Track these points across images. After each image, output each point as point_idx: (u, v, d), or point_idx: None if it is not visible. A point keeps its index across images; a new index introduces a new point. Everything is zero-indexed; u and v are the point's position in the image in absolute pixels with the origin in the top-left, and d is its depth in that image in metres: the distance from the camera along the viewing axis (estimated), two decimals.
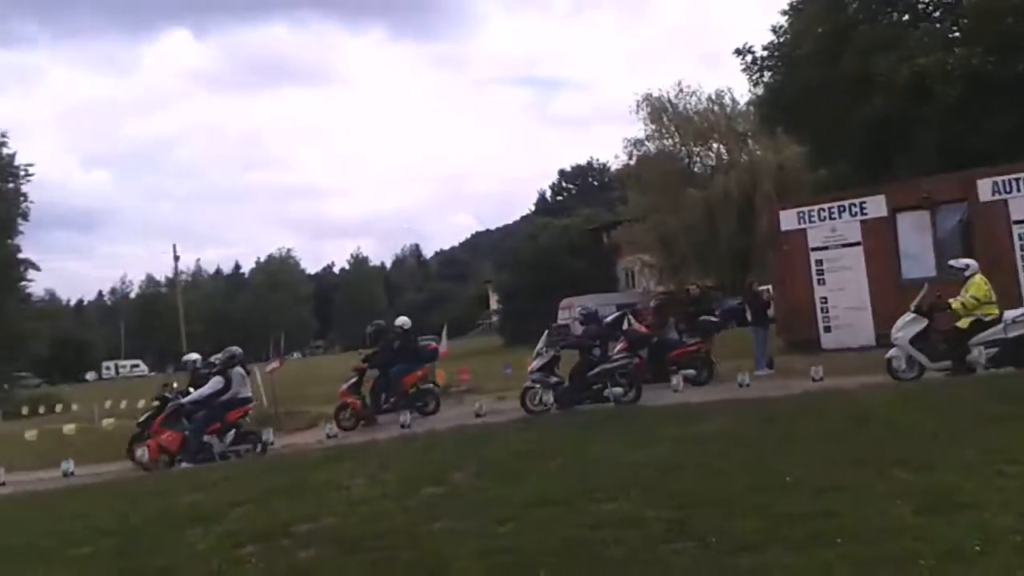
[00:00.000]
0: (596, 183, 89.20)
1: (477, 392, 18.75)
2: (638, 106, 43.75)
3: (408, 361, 16.46)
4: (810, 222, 19.57)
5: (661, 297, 20.47)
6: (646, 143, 44.24)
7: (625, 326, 15.87)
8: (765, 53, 26.78)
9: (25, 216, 54.26)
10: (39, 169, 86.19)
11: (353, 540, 6.58)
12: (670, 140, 44.27)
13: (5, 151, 53.07)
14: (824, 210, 19.50)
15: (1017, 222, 17.18)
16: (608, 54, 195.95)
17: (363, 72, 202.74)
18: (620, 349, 14.99)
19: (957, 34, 23.75)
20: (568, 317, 34.19)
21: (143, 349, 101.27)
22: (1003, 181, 17.40)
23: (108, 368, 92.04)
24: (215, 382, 14.28)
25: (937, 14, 25.33)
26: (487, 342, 53.45)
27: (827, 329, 19.12)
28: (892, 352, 13.28)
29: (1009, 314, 12.47)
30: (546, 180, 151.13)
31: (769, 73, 27.15)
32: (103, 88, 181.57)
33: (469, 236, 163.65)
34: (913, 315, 13.10)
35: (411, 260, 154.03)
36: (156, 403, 15.51)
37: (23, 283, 56.19)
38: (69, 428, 18.08)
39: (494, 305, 67.24)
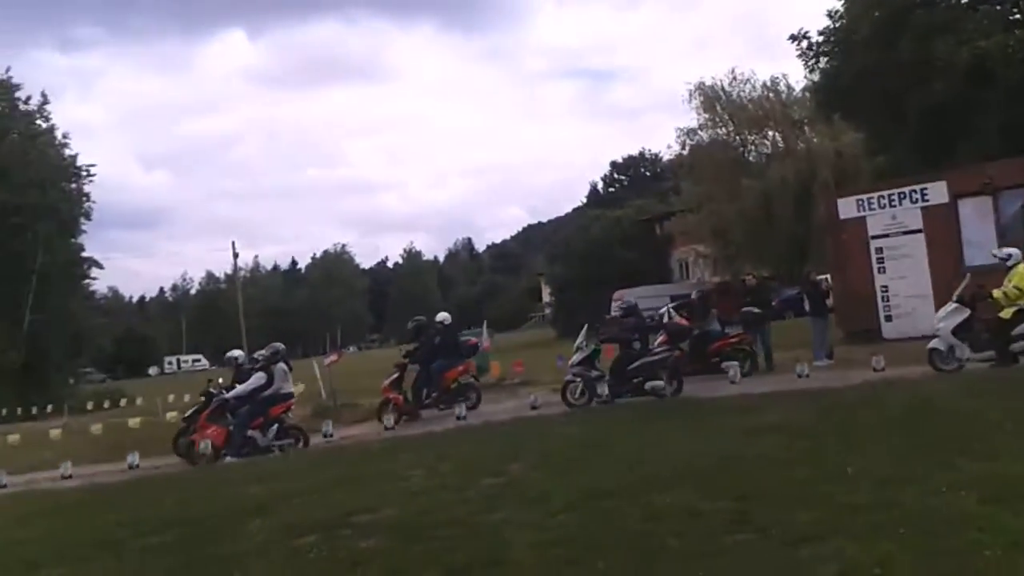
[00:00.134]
0: (648, 174, 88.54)
1: (531, 384, 18.78)
2: (691, 95, 43.36)
3: (449, 356, 16.52)
4: (869, 209, 19.23)
5: (702, 289, 20.18)
6: (699, 132, 43.83)
7: (666, 319, 15.74)
8: (821, 38, 26.38)
9: (88, 216, 55.68)
10: (101, 170, 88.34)
11: (412, 530, 6.64)
12: (724, 129, 43.77)
13: (68, 152, 54.51)
14: (884, 197, 19.14)
15: None
16: (659, 44, 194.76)
17: (414, 67, 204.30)
18: (661, 342, 14.89)
19: (1017, 16, 23.11)
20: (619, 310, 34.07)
21: (204, 344, 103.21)
22: None
23: (170, 363, 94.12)
24: (257, 378, 14.51)
25: None
26: (540, 334, 53.49)
27: (888, 318, 18.79)
28: (934, 343, 13.03)
29: None
30: (598, 172, 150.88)
31: (825, 59, 26.72)
32: (161, 89, 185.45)
33: (521, 229, 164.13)
34: (955, 305, 12.84)
35: (464, 254, 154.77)
36: (202, 398, 15.84)
37: (87, 281, 57.72)
38: (134, 422, 18.55)
39: (546, 298, 67.31)
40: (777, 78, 43.02)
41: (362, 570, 5.79)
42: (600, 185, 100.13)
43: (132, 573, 6.48)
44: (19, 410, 38.27)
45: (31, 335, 49.31)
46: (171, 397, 25.38)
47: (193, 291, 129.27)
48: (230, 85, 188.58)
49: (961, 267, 17.49)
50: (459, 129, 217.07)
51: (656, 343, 14.83)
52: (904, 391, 10.76)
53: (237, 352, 16.84)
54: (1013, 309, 12.21)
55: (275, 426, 14.42)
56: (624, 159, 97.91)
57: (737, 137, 43.78)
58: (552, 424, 12.26)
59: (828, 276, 21.51)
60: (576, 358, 14.77)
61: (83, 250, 56.12)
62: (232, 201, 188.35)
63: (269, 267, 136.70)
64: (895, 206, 18.91)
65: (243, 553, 6.57)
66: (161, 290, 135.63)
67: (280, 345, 15.41)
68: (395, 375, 16.60)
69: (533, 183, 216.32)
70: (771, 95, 42.82)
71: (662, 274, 47.37)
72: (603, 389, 14.08)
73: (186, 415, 16.07)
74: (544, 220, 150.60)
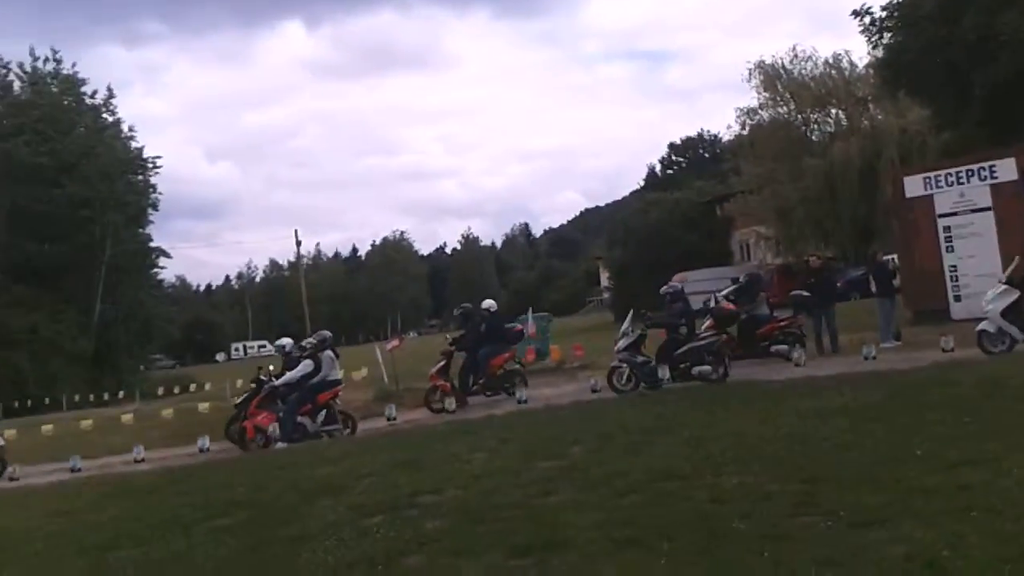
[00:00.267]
0: (707, 155, 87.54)
1: (591, 368, 18.75)
2: (750, 74, 42.61)
3: (495, 343, 16.56)
4: (937, 188, 18.75)
5: (751, 272, 19.86)
6: (760, 112, 43.05)
7: (712, 304, 15.57)
8: (884, 14, 25.71)
9: (155, 207, 57.17)
10: (166, 161, 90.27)
11: (476, 512, 6.72)
12: (785, 108, 42.92)
13: (134, 145, 55.93)
14: (951, 175, 18.64)
15: None
16: (717, 22, 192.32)
17: (470, 54, 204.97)
18: (707, 327, 14.75)
19: None
20: None
21: (269, 330, 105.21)
22: None
23: (237, 349, 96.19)
24: (305, 365, 14.74)
25: None
26: (599, 319, 53.36)
27: (957, 298, 18.33)
28: (983, 325, 12.70)
29: None
30: (655, 154, 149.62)
31: (889, 34, 26.04)
32: (223, 81, 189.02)
33: (578, 214, 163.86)
34: (1004, 287, 12.48)
35: (521, 239, 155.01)
36: (252, 385, 16.15)
37: (155, 270, 59.35)
38: (203, 407, 19.00)
39: (604, 282, 67.03)
40: (839, 55, 42.03)
41: (428, 550, 5.88)
42: (658, 167, 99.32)
43: (203, 554, 6.64)
44: (91, 396, 39.51)
45: (102, 323, 50.88)
46: (239, 382, 25.88)
47: (258, 279, 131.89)
48: (289, 76, 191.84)
49: None
50: (515, 114, 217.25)
51: (703, 328, 14.72)
52: (973, 372, 10.53)
53: (285, 340, 17.11)
54: None
55: (323, 412, 14.67)
56: (682, 140, 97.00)
57: (799, 116, 42.90)
58: (613, 407, 12.26)
59: (895, 256, 21.02)
60: (622, 343, 14.68)
61: (151, 240, 57.70)
62: (294, 190, 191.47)
63: (330, 254, 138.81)
64: (963, 184, 18.41)
65: (312, 533, 6.71)
66: (227, 278, 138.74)
67: (327, 333, 15.66)
68: (442, 362, 16.66)
69: (590, 167, 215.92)
70: (834, 72, 41.86)
71: (722, 257, 46.82)
72: (664, 373, 13.98)
73: (237, 402, 16.40)
74: (601, 204, 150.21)
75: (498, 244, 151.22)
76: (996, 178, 18.07)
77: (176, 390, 35.76)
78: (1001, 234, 17.74)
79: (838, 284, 18.60)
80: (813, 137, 42.85)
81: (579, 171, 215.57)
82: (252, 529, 7.24)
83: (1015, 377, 9.64)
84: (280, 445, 13.98)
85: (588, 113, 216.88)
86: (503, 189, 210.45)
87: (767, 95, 42.64)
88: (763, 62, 42.45)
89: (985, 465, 6.03)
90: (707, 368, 13.91)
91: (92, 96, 55.19)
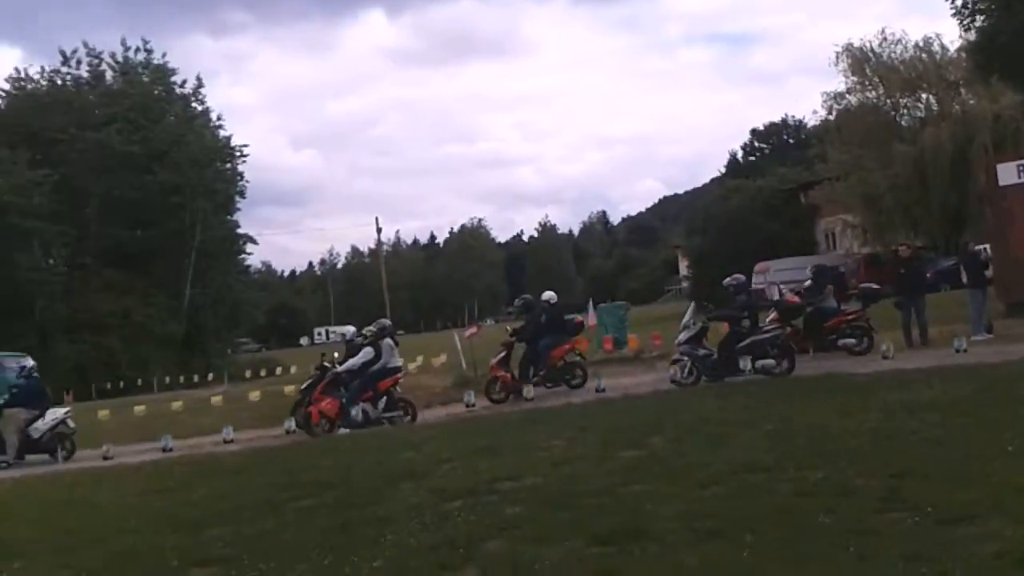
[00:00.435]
0: (792, 141, 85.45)
1: (670, 357, 18.59)
2: (838, 58, 41.45)
3: (555, 335, 16.47)
4: None
5: (818, 264, 19.33)
6: (847, 96, 41.89)
7: (776, 296, 15.24)
8: None
9: (242, 194, 58.74)
10: (252, 149, 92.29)
11: (556, 498, 6.77)
12: (874, 92, 41.70)
13: (222, 133, 57.44)
14: None
15: None
16: (803, 4, 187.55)
17: (548, 40, 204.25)
18: (771, 320, 14.50)
19: None
20: (763, 281, 33.28)
21: (350, 316, 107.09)
22: None
23: (319, 334, 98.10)
24: (366, 352, 15.01)
25: None
26: (677, 308, 52.74)
27: None
28: None
29: None
30: (737, 140, 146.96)
31: (982, 17, 25.10)
32: (307, 70, 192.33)
33: (656, 201, 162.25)
34: None
35: (598, 227, 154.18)
36: (316, 372, 16.48)
37: (242, 256, 60.94)
38: (290, 389, 19.46)
39: (683, 271, 66.33)
40: (930, 38, 40.63)
41: (508, 535, 5.95)
42: (740, 154, 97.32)
43: (290, 533, 6.82)
44: (181, 378, 40.88)
45: (192, 308, 52.53)
46: None
47: (339, 265, 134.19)
48: (371, 64, 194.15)
49: None
50: (593, 101, 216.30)
51: (767, 321, 14.48)
52: None
53: (347, 328, 17.36)
54: None
55: (384, 399, 14.90)
56: (765, 126, 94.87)
57: (888, 100, 41.65)
58: (692, 398, 12.18)
59: (987, 246, 20.32)
60: (683, 336, 14.55)
61: (238, 227, 59.31)
62: (374, 177, 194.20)
63: (409, 241, 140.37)
64: None
65: (395, 515, 6.85)
66: (310, 264, 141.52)
67: (387, 321, 15.95)
68: (503, 353, 16.66)
69: (669, 154, 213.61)
70: (924, 56, 40.50)
71: (807, 245, 45.75)
72: (745, 364, 13.75)
73: (302, 387, 16.75)
74: (680, 192, 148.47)
75: (575, 232, 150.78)
76: None
77: (262, 373, 36.81)
78: None
79: (928, 275, 18.05)
80: (902, 122, 41.54)
81: (658, 158, 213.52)
82: (338, 510, 7.41)
83: None
84: (343, 431, 14.30)
85: (668, 99, 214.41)
86: (581, 176, 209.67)
87: (855, 79, 41.48)
88: (851, 45, 41.29)
89: None
90: (771, 362, 13.69)
91: (181, 86, 56.88)
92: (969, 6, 25.15)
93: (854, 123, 40.88)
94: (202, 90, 57.58)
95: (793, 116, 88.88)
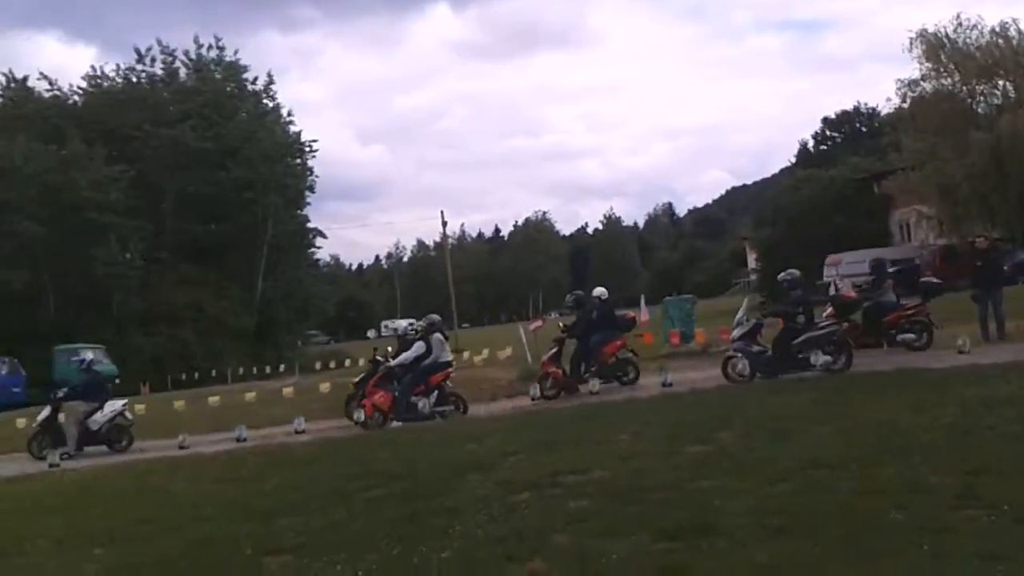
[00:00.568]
0: (864, 129, 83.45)
1: None
2: (911, 44, 40.31)
3: (607, 330, 16.36)
4: None
5: (877, 258, 18.78)
6: (921, 83, 40.72)
7: (832, 291, 14.91)
8: None
9: (312, 189, 59.79)
10: (321, 144, 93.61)
11: (622, 492, 6.76)
12: (948, 79, 40.48)
13: (292, 129, 58.41)
14: None
15: None
16: None
17: (614, 31, 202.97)
18: (827, 315, 14.20)
19: None
20: (834, 274, 32.59)
21: (416, 309, 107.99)
22: None
23: (386, 326, 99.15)
24: (417, 347, 15.14)
25: None
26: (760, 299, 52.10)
27: None
28: None
29: None
30: (807, 129, 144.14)
31: None
32: (374, 65, 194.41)
33: (724, 192, 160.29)
34: None
35: (664, 219, 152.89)
36: (370, 365, 16.62)
37: (312, 250, 61.98)
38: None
39: (752, 263, 65.29)
40: (1007, 23, 39.25)
41: (574, 528, 5.96)
42: (810, 143, 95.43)
43: (360, 523, 6.93)
44: (254, 369, 41.75)
45: (264, 301, 53.60)
46: None
47: (405, 258, 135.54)
48: (437, 58, 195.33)
49: None
50: (659, 91, 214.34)
51: (823, 316, 14.20)
52: None
53: (399, 323, 17.48)
54: None
55: (435, 393, 15.01)
56: (837, 115, 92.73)
57: (964, 87, 40.38)
58: (760, 393, 12.03)
59: None
60: (737, 333, 14.35)
61: (308, 221, 60.36)
62: (440, 171, 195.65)
63: (474, 235, 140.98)
64: None
65: (463, 507, 6.93)
66: (377, 258, 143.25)
67: (436, 317, 16.06)
68: (554, 349, 16.60)
69: (737, 144, 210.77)
70: (1001, 41, 39.15)
71: (880, 237, 44.70)
72: (818, 359, 13.46)
73: (356, 381, 16.94)
74: (748, 182, 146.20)
75: (640, 224, 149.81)
76: None
77: (331, 365, 37.29)
78: None
79: (1005, 267, 17.47)
80: (979, 110, 40.25)
81: (725, 148, 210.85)
82: (407, 500, 7.51)
83: None
84: (395, 424, 14.48)
85: (735, 88, 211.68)
86: (646, 168, 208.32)
87: (929, 65, 40.31)
88: (925, 31, 40.13)
89: None
90: (828, 358, 13.42)
91: (253, 82, 57.99)
92: None
93: (929, 111, 39.77)
94: (272, 86, 58.70)
95: (866, 104, 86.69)
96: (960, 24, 39.91)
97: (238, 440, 15.08)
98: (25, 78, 54.09)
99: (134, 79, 55.89)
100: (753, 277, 62.76)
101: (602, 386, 15.75)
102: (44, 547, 7.49)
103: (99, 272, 46.11)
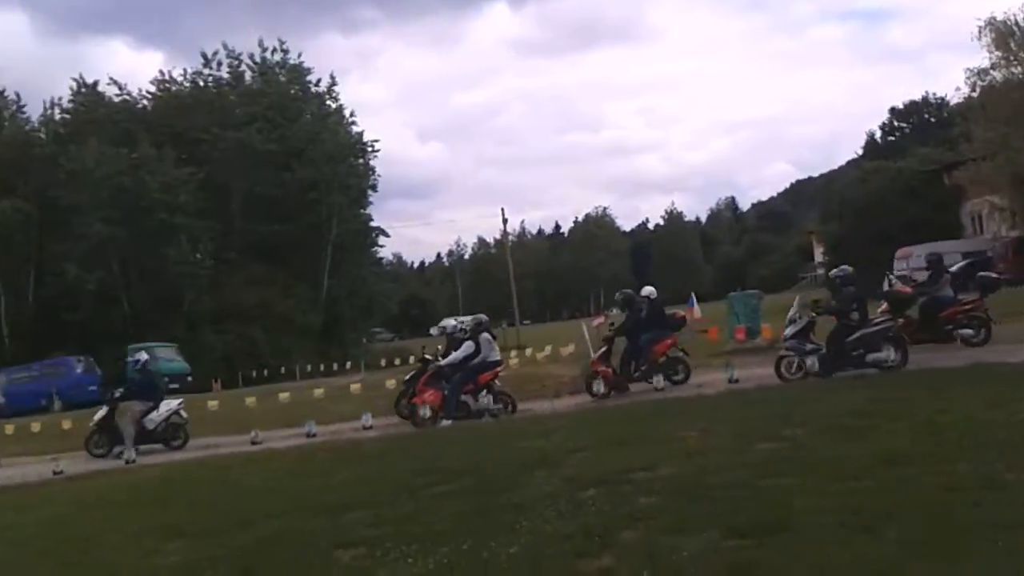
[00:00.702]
0: (933, 120, 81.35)
1: None
2: (980, 32, 39.20)
3: (657, 329, 16.23)
4: None
5: (934, 252, 18.26)
6: (991, 72, 39.62)
7: (886, 287, 14.57)
8: None
9: (375, 188, 60.55)
10: (382, 144, 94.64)
11: (691, 489, 6.72)
12: (1019, 68, 39.31)
13: (355, 130, 59.18)
14: None
15: None
16: None
17: (673, 24, 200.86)
18: (882, 311, 13.92)
19: None
20: (905, 268, 31.88)
21: (477, 306, 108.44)
22: None
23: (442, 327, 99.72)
24: (467, 346, 15.23)
25: None
26: (813, 296, 51.26)
27: None
28: None
29: None
30: (874, 120, 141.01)
31: None
32: (434, 64, 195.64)
33: (788, 185, 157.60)
34: None
35: (727, 213, 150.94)
36: (419, 363, 16.74)
37: (375, 249, 62.74)
38: None
39: (819, 257, 64.19)
40: None
41: (643, 526, 5.95)
42: (878, 134, 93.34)
43: (429, 518, 7.00)
44: (321, 366, 42.42)
45: (329, 299, 54.43)
46: None
47: (466, 256, 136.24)
48: (495, 55, 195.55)
49: None
50: (719, 85, 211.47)
51: (878, 312, 13.93)
52: None
53: (451, 321, 17.60)
54: None
55: (484, 391, 15.09)
56: (905, 105, 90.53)
57: None
58: (828, 390, 11.86)
59: None
60: (789, 331, 14.15)
61: (371, 220, 61.14)
62: (500, 168, 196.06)
63: (534, 231, 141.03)
64: None
65: (530, 502, 6.96)
66: (438, 255, 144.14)
67: (483, 316, 16.26)
68: (604, 348, 16.55)
69: (801, 136, 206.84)
70: None
71: (951, 229, 43.56)
72: (890, 354, 13.21)
73: (406, 379, 17.10)
74: (814, 175, 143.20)
75: (702, 219, 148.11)
76: None
77: (396, 361, 37.69)
78: None
79: None
80: None
81: (789, 141, 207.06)
82: (474, 496, 7.57)
83: None
84: (445, 423, 14.57)
85: (798, 79, 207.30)
86: (707, 163, 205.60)
87: (999, 54, 39.16)
88: (994, 19, 38.99)
89: None
90: (883, 355, 13.15)
91: (316, 84, 58.94)
92: None
93: (999, 100, 38.65)
94: (335, 88, 59.60)
95: (934, 94, 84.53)
96: None
97: (308, 436, 15.40)
98: (95, 83, 55.81)
99: (201, 83, 57.19)
100: (821, 271, 61.66)
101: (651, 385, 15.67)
102: (123, 541, 7.75)
103: (171, 272, 47.32)
